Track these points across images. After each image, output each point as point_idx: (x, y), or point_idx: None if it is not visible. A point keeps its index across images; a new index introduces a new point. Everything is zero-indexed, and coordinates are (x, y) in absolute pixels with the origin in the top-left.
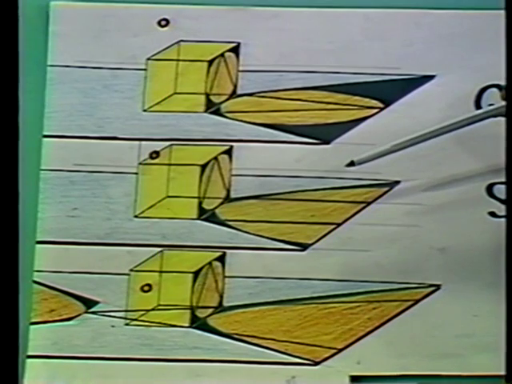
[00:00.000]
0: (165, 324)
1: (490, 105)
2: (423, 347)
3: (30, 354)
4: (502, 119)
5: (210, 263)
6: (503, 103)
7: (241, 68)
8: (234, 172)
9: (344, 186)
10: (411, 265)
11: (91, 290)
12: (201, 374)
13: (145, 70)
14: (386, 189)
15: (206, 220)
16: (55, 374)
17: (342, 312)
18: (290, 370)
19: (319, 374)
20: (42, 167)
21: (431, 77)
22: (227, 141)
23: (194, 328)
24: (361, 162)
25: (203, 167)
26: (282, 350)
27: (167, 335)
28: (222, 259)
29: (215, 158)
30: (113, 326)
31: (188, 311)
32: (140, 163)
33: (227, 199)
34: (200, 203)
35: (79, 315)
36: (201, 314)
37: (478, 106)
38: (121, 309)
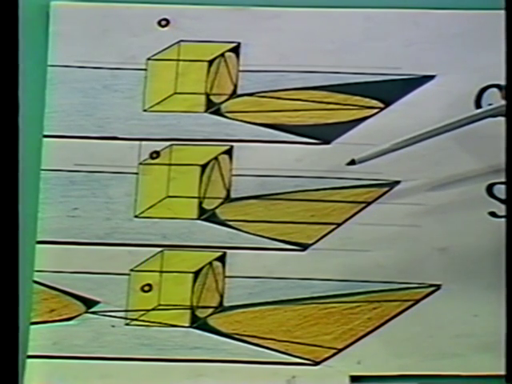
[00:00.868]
0: (165, 324)
1: (490, 105)
2: (423, 347)
3: (30, 353)
4: (502, 119)
5: (210, 263)
6: (503, 102)
7: (241, 68)
8: (234, 172)
9: (344, 186)
10: (411, 265)
11: (91, 290)
12: (201, 373)
13: (145, 69)
14: (386, 189)
15: (206, 220)
16: (55, 374)
17: (342, 312)
18: (290, 369)
19: (319, 373)
20: (42, 167)
21: (431, 77)
22: (227, 141)
23: (194, 328)
24: (361, 161)
25: (203, 167)
26: (282, 349)
27: (167, 335)
28: (222, 259)
29: (215, 158)
30: (113, 326)
31: (188, 311)
32: (140, 163)
33: (227, 199)
34: (200, 203)
35: (79, 315)
36: (201, 313)
37: (478, 105)
38: (121, 309)
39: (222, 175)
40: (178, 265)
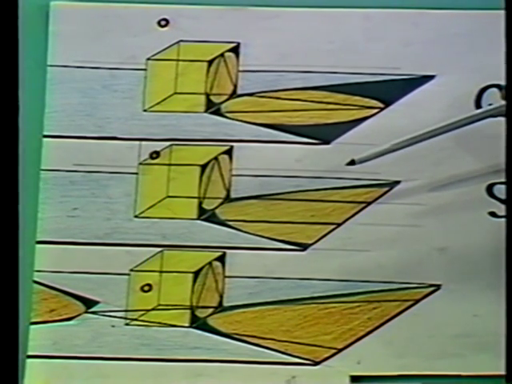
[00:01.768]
0: (165, 324)
1: (490, 105)
2: (423, 347)
3: (29, 353)
4: (502, 119)
5: (210, 263)
6: (503, 102)
7: (241, 68)
8: (234, 172)
9: (344, 186)
10: (411, 265)
11: (91, 290)
12: (201, 373)
13: (145, 70)
14: (386, 189)
15: (206, 220)
16: (55, 374)
17: (342, 312)
18: (290, 370)
19: (319, 374)
20: (42, 167)
21: (431, 77)
22: (227, 141)
23: (194, 328)
24: (361, 161)
25: (203, 167)
26: (282, 350)
27: (167, 335)
28: (222, 259)
29: (215, 158)
30: (113, 326)
31: (188, 311)
32: (140, 163)
33: (227, 199)
34: (200, 203)
35: (79, 315)
36: (201, 313)
37: (478, 105)
38: (121, 309)
39: (221, 175)
40: (178, 265)
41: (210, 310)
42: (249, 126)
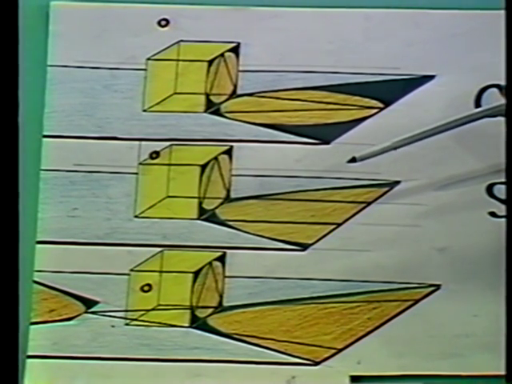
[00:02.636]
0: (165, 324)
1: None
2: (423, 347)
3: (29, 354)
4: (502, 119)
5: (210, 263)
6: (502, 101)
7: (241, 68)
8: (234, 172)
9: (344, 186)
10: (411, 265)
11: (91, 290)
12: (201, 374)
13: (145, 70)
14: (386, 189)
15: (206, 220)
16: (55, 374)
17: (342, 312)
18: (290, 370)
19: (319, 374)
20: (42, 167)
21: (431, 77)
22: (227, 141)
23: (194, 328)
24: (362, 159)
25: (203, 167)
26: (282, 350)
27: (167, 335)
28: (222, 259)
29: (215, 158)
30: (113, 326)
31: (188, 311)
32: (140, 163)
33: (227, 199)
34: (200, 203)
35: (79, 315)
36: (201, 313)
37: (477, 105)
38: (121, 309)
39: (221, 175)
40: (178, 265)
41: (210, 310)
42: (249, 126)
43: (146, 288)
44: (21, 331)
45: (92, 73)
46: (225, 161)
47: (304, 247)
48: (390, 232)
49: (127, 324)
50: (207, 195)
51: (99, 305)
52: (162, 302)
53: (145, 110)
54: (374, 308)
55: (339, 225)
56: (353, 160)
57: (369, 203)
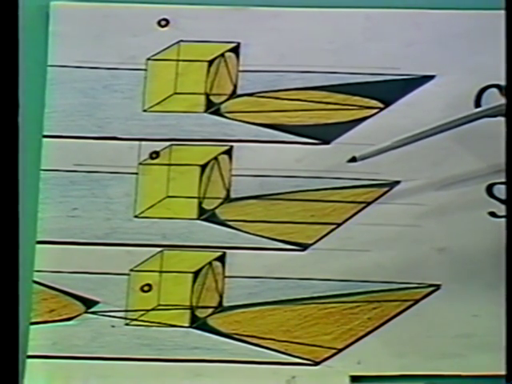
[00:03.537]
0: (165, 324)
1: None
2: (423, 347)
3: (29, 354)
4: (502, 119)
5: (210, 263)
6: (502, 101)
7: (241, 68)
8: (234, 172)
9: (344, 186)
10: (411, 265)
11: (91, 290)
12: (201, 373)
13: (145, 70)
14: (386, 189)
15: (206, 220)
16: (55, 374)
17: (342, 312)
18: (290, 370)
19: (319, 373)
20: (42, 167)
21: (431, 77)
22: (227, 141)
23: (194, 328)
24: (362, 158)
25: (203, 167)
26: (282, 350)
27: (167, 335)
28: (222, 259)
29: (215, 158)
30: (113, 326)
31: (188, 311)
32: (140, 163)
33: (227, 199)
34: (200, 203)
35: (79, 315)
36: (201, 313)
37: (477, 106)
38: (121, 309)
39: (221, 175)
40: (178, 265)
41: (210, 310)
42: (248, 126)
43: (145, 288)
44: (21, 331)
45: (92, 73)
46: (225, 161)
47: (304, 247)
48: (390, 232)
49: (127, 324)
50: (207, 195)
51: (99, 305)
52: (162, 302)
53: (145, 110)
54: (374, 308)
55: (339, 225)
56: (353, 160)
57: (369, 203)
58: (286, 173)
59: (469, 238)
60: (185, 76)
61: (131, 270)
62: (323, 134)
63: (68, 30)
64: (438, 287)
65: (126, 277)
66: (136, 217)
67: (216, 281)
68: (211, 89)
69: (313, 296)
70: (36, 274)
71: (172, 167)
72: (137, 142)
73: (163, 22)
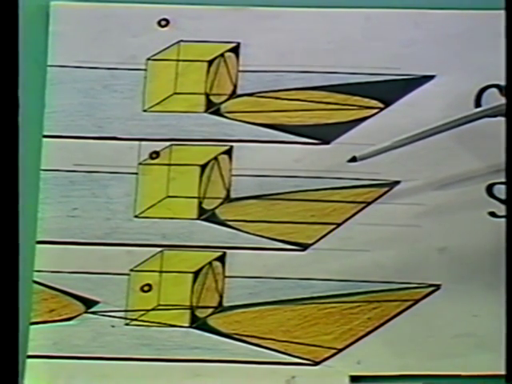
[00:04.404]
0: (165, 324)
1: None
2: (423, 347)
3: (30, 353)
4: (502, 119)
5: (210, 263)
6: (502, 101)
7: (241, 68)
8: (234, 172)
9: (344, 186)
10: (411, 265)
11: (91, 290)
12: (201, 373)
13: (145, 70)
14: (386, 189)
15: (206, 220)
16: (55, 374)
17: (342, 312)
18: (290, 370)
19: (319, 373)
20: (42, 167)
21: (431, 77)
22: (227, 141)
23: (194, 328)
24: (363, 158)
25: (203, 167)
26: (282, 350)
27: (167, 335)
28: (222, 259)
29: (215, 158)
30: (113, 326)
31: (188, 311)
32: (140, 163)
33: (227, 199)
34: (200, 203)
35: (79, 315)
36: (201, 313)
37: (477, 106)
38: (121, 309)
39: (221, 175)
40: (178, 265)
41: (210, 310)
42: (248, 126)
43: (145, 288)
44: (21, 331)
45: (92, 73)
46: (225, 161)
47: (304, 247)
48: (390, 232)
49: (127, 324)
50: (207, 195)
51: (99, 305)
52: (161, 302)
53: (145, 110)
54: (374, 308)
55: (339, 225)
56: (353, 159)
57: (368, 203)
58: (286, 173)
59: (469, 237)
60: (185, 76)
61: (131, 270)
62: (323, 134)
63: (68, 30)
64: (437, 287)
65: (126, 277)
66: (136, 217)
67: (216, 281)
68: (211, 89)
69: (313, 296)
70: (36, 273)
71: (172, 167)
72: (137, 142)
73: (163, 22)
